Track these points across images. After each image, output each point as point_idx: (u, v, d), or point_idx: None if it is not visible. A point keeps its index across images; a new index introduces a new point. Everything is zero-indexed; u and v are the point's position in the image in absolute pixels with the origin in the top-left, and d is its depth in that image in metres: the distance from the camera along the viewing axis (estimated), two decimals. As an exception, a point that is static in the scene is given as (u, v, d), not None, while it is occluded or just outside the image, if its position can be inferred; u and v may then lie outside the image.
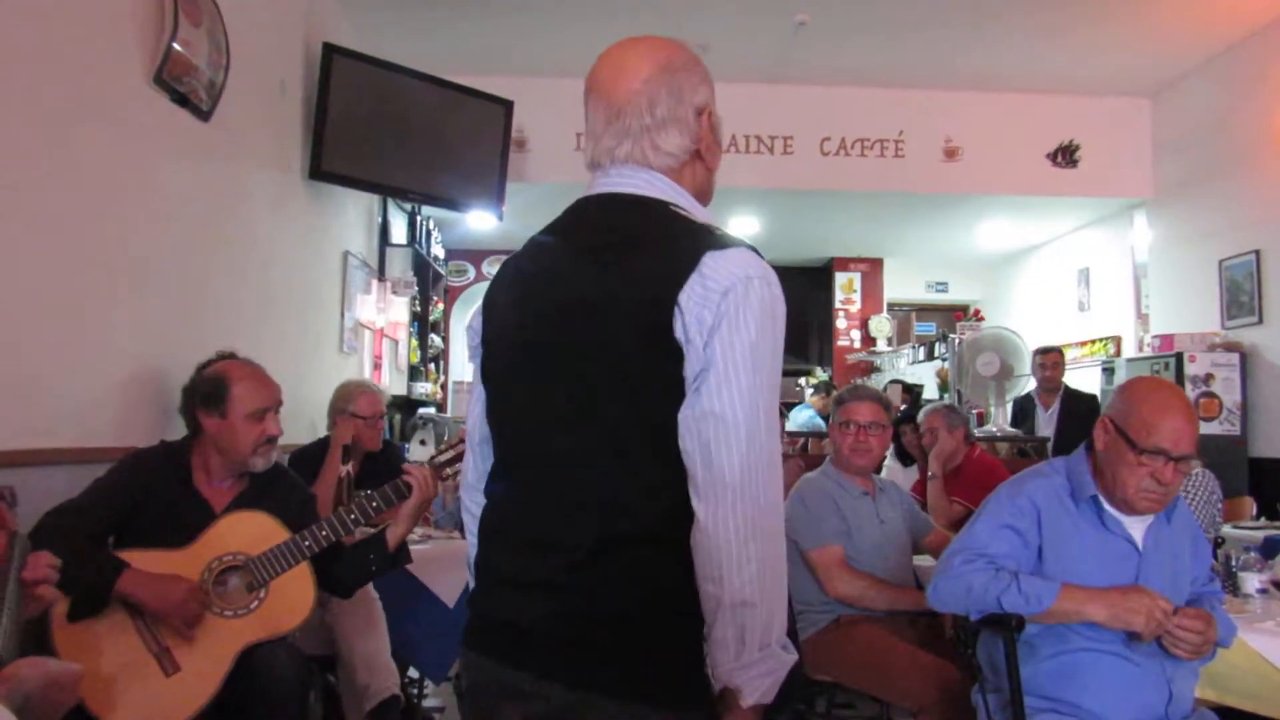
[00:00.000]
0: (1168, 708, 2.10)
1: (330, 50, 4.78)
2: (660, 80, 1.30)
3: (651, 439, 1.19)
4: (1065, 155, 6.79)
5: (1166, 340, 6.10)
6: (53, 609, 1.61)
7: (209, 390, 2.49)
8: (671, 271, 1.17)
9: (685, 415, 1.16)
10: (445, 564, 3.31)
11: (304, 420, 4.22)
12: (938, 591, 2.19)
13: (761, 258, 1.21)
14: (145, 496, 2.37)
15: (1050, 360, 6.03)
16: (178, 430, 2.65)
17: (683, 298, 1.15)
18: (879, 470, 3.79)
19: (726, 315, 1.15)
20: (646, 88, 1.30)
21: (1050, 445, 5.68)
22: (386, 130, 5.10)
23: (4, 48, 2.37)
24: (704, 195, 1.36)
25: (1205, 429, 5.57)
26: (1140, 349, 7.05)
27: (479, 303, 1.45)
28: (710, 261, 1.17)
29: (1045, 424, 5.96)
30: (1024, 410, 6.18)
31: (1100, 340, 7.65)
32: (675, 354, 1.16)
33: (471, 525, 1.46)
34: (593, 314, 1.22)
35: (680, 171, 1.32)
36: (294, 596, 2.37)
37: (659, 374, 1.17)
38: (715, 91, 1.37)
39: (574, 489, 1.24)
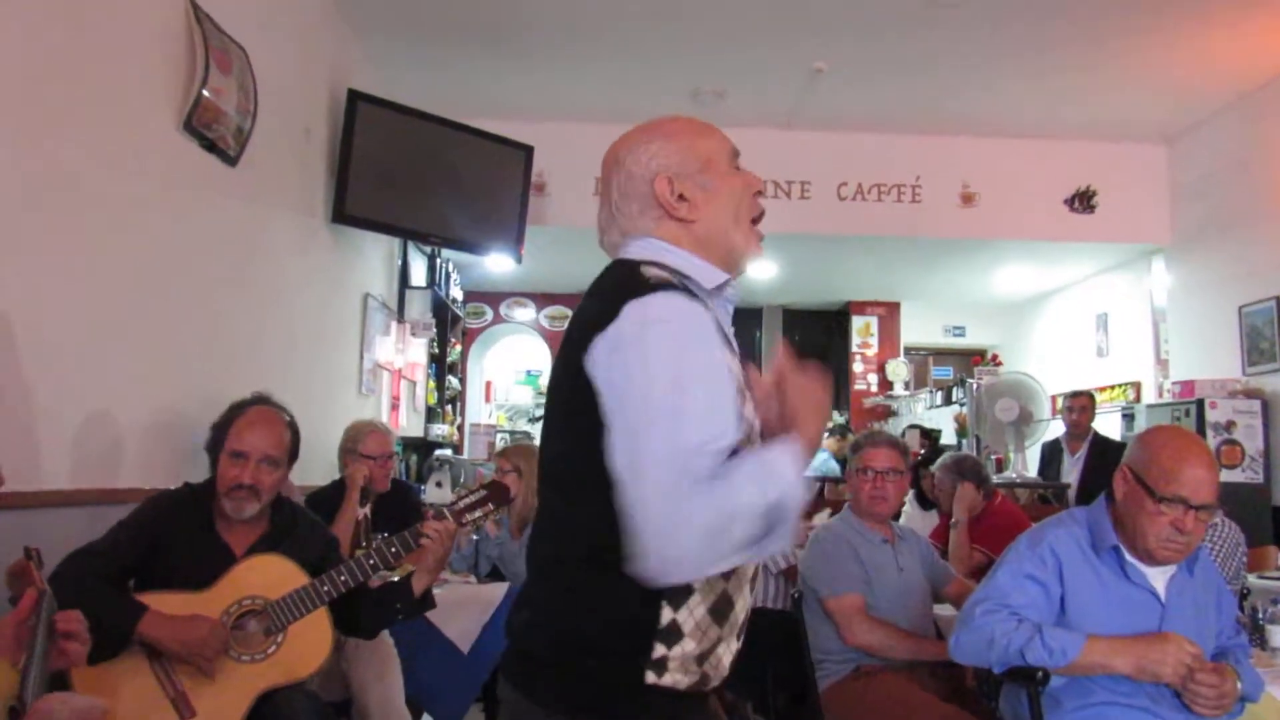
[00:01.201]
0: (1195, 764, 2.06)
1: (355, 96, 4.87)
2: (612, 171, 1.47)
3: (591, 467, 1.27)
4: (1083, 201, 6.80)
5: (1187, 387, 6.06)
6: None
7: (218, 424, 2.52)
8: (598, 321, 1.28)
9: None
10: (460, 609, 3.30)
11: (322, 462, 4.23)
12: (960, 643, 2.16)
13: (689, 297, 1.30)
14: (166, 538, 2.38)
15: (1078, 404, 5.92)
16: (200, 472, 2.66)
17: (598, 343, 1.27)
18: (898, 516, 3.77)
19: (621, 365, 1.24)
20: (605, 183, 1.49)
21: (1072, 493, 5.61)
22: (408, 174, 5.18)
23: (38, 95, 2.42)
24: (709, 247, 1.44)
25: (1228, 477, 5.51)
26: (1160, 395, 7.01)
27: None
28: (628, 309, 1.26)
29: (1070, 470, 5.87)
30: (1051, 456, 6.11)
31: (1120, 386, 7.61)
32: (594, 396, 1.27)
33: None
34: (556, 362, 1.39)
35: (668, 234, 1.43)
36: (311, 641, 2.36)
37: (586, 415, 1.27)
38: (690, 134, 1.47)
39: (544, 512, 1.43)
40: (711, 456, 1.20)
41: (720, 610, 1.34)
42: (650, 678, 1.30)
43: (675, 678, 1.31)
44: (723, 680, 1.41)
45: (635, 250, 1.42)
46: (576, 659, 1.31)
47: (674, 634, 1.30)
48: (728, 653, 1.38)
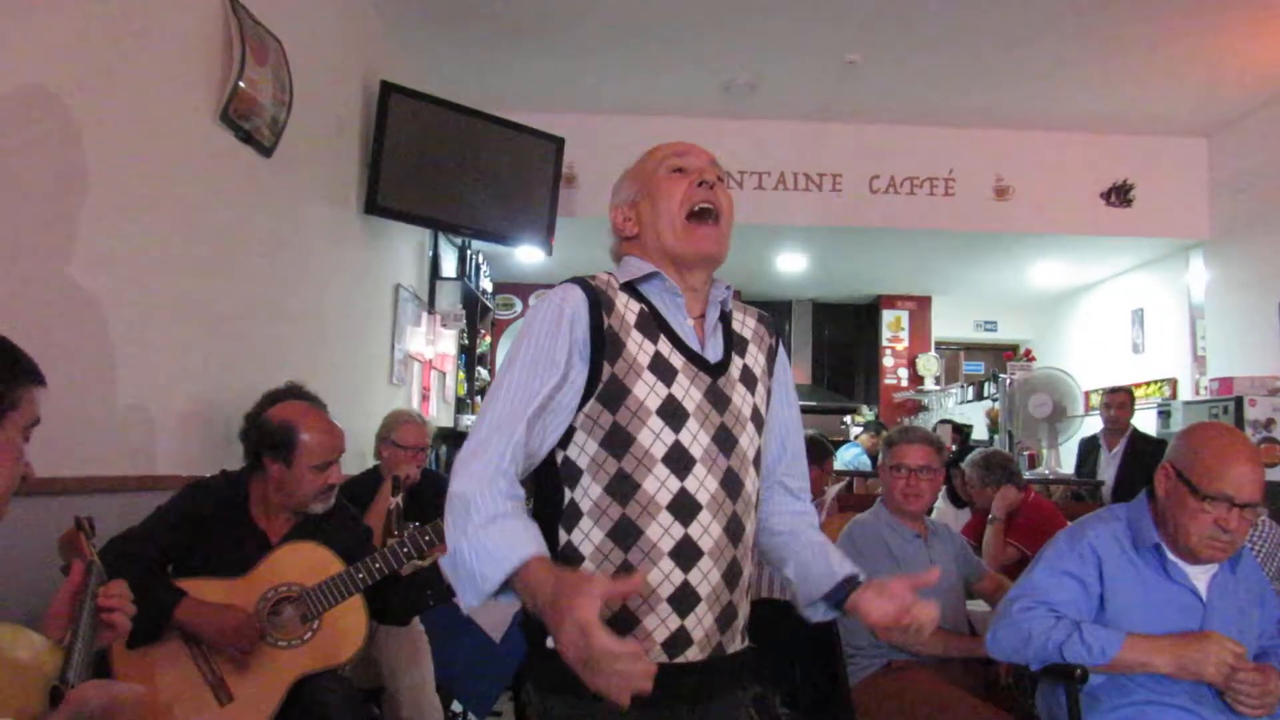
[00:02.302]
0: (1237, 765, 2.03)
1: (387, 88, 4.89)
2: None
3: None
4: (1119, 195, 6.71)
5: (1225, 384, 5.97)
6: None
7: (278, 438, 2.46)
8: None
9: None
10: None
11: (354, 451, 4.26)
12: (996, 639, 2.14)
13: (575, 284, 1.50)
14: (204, 526, 2.40)
15: (1117, 400, 5.87)
16: (235, 459, 2.69)
17: None
18: (930, 511, 3.74)
19: None
20: None
21: (1109, 489, 5.54)
22: (440, 166, 5.19)
23: (79, 85, 2.45)
24: (653, 249, 1.57)
25: (1267, 476, 5.42)
26: (1197, 392, 6.91)
27: None
28: None
29: (1106, 465, 5.80)
30: (1088, 452, 6.03)
31: (1155, 383, 7.51)
32: None
33: None
34: None
35: (631, 249, 1.61)
36: (347, 628, 2.38)
37: None
38: (643, 159, 1.64)
39: None
40: (493, 431, 1.41)
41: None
42: (550, 643, 1.35)
43: None
44: (674, 657, 1.42)
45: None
46: (522, 627, 1.49)
47: None
48: (662, 629, 1.41)
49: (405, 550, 2.46)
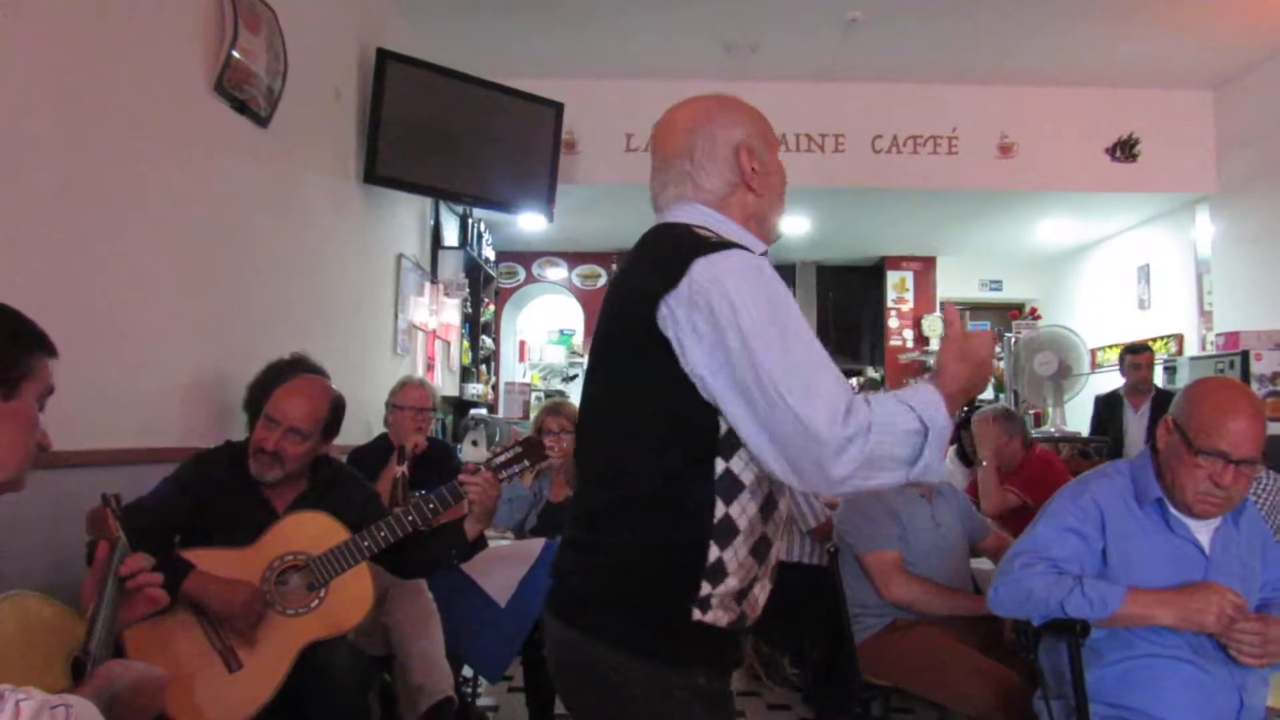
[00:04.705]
0: (1239, 716, 2.04)
1: (384, 55, 4.84)
2: (697, 131, 1.54)
3: (655, 419, 1.41)
4: (1124, 150, 6.64)
5: (1231, 338, 5.94)
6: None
7: (256, 384, 2.54)
8: (663, 277, 1.37)
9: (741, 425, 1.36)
10: (496, 562, 3.33)
11: (359, 421, 4.28)
12: (998, 595, 2.15)
13: (756, 254, 1.40)
14: (210, 496, 2.42)
15: (1145, 360, 5.86)
16: (237, 430, 2.70)
17: (670, 299, 1.35)
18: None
19: (719, 314, 1.32)
20: (687, 139, 1.54)
21: (1138, 447, 5.54)
22: (439, 134, 5.16)
23: (73, 61, 2.43)
24: (758, 220, 1.55)
25: (1273, 429, 5.41)
26: (1203, 347, 6.89)
27: None
28: (697, 266, 1.35)
29: (1135, 425, 5.79)
30: (1109, 408, 5.99)
31: (1162, 338, 7.48)
32: (667, 349, 1.36)
33: None
34: (612, 321, 1.50)
35: (726, 202, 1.53)
36: (353, 596, 2.40)
37: (656, 366, 1.37)
38: (758, 114, 1.59)
39: (599, 461, 1.50)
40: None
41: (760, 550, 1.44)
42: (695, 614, 1.39)
43: (716, 615, 1.41)
44: (756, 621, 1.49)
45: (684, 215, 1.51)
46: (629, 597, 1.41)
47: (719, 572, 1.39)
48: (763, 592, 1.48)
49: (410, 519, 2.48)
